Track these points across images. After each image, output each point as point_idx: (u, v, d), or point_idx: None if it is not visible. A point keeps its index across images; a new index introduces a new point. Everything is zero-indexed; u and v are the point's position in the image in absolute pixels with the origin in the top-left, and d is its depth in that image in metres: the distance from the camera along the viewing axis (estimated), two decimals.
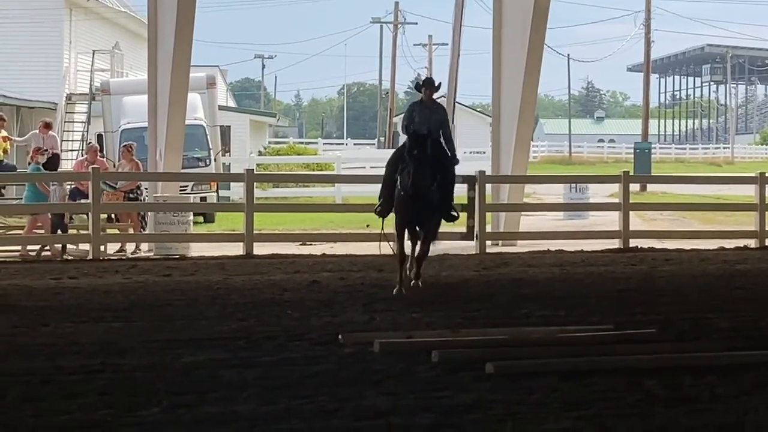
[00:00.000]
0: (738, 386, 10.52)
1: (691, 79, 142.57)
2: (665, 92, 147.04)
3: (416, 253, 17.17)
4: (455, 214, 17.49)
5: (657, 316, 14.83)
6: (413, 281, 17.05)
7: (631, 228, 25.73)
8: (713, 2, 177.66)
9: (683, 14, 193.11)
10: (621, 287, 18.32)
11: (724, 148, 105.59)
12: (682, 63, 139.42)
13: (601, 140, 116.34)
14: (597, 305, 16.07)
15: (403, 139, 18.31)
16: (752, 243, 25.80)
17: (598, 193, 36.67)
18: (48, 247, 23.97)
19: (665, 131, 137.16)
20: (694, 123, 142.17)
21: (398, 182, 16.68)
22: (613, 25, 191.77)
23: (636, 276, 20.09)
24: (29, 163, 25.39)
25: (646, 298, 16.91)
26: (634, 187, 36.63)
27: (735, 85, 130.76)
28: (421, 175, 16.19)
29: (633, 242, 25.25)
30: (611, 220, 26.92)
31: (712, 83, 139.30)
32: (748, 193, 29.32)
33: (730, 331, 13.81)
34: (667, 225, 31.51)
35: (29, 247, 23.89)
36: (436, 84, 17.90)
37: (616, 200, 26.98)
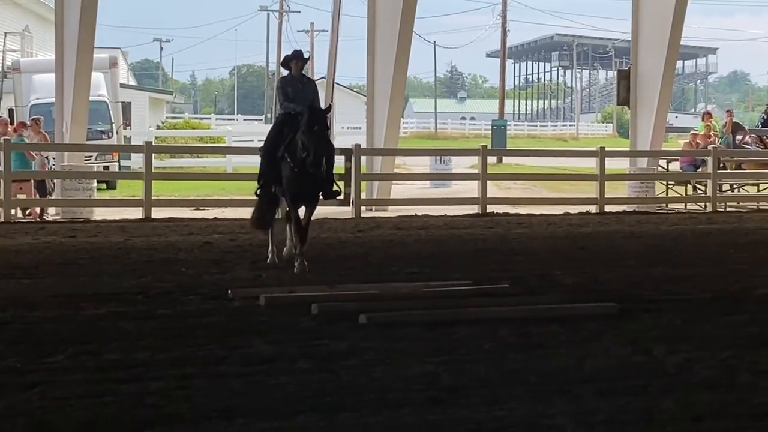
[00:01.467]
0: (579, 334, 10.66)
1: (542, 64, 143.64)
2: (519, 76, 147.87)
3: (298, 229, 14.92)
4: (338, 189, 15.31)
5: (510, 272, 14.96)
6: (299, 260, 14.72)
7: (489, 195, 25.94)
8: None
9: (535, 6, 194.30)
10: (479, 247, 18.47)
11: (570, 125, 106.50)
12: (534, 50, 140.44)
13: (463, 118, 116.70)
14: (458, 263, 16.17)
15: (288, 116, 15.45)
16: (593, 209, 26.15)
17: (460, 164, 36.93)
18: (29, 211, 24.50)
19: (519, 110, 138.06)
20: (544, 103, 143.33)
21: (287, 158, 14.62)
22: (474, 15, 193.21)
23: (492, 238, 20.25)
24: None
25: (500, 257, 17.06)
26: (492, 159, 36.84)
27: (580, 70, 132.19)
28: (322, 152, 14.30)
29: (490, 208, 25.46)
30: (471, 189, 27.11)
31: (560, 68, 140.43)
32: (590, 164, 29.69)
33: (574, 286, 13.98)
34: (519, 193, 31.85)
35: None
36: (305, 56, 15.69)
37: (476, 171, 27.15)
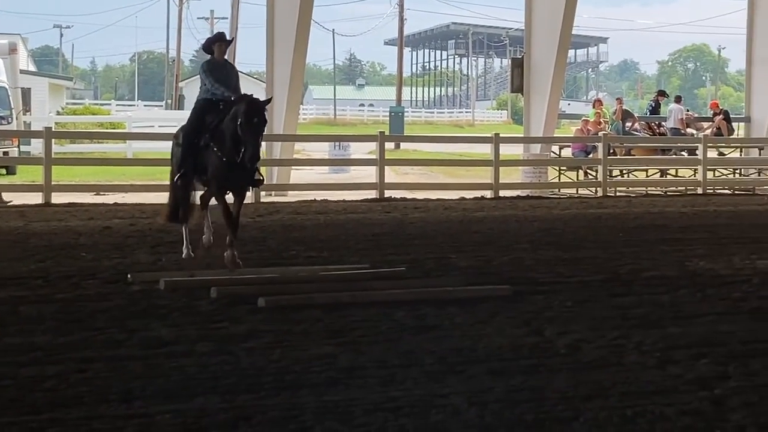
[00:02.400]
0: (474, 316, 10.73)
1: (438, 52, 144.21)
2: (416, 63, 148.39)
3: (228, 217, 13.58)
4: (261, 177, 14.09)
5: (407, 256, 15.02)
6: (230, 251, 13.27)
7: (386, 180, 25.98)
8: None
9: None
10: (376, 232, 18.50)
11: (466, 112, 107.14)
12: (431, 38, 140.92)
13: (362, 104, 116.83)
14: (356, 247, 16.20)
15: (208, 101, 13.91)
16: (488, 194, 26.32)
17: (359, 150, 36.94)
18: None
19: (417, 97, 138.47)
20: (441, 90, 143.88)
21: (212, 147, 13.23)
22: (372, 4, 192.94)
23: (389, 222, 20.31)
24: None
25: (397, 241, 17.11)
26: (389, 145, 36.90)
27: (476, 58, 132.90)
28: (257, 146, 13.05)
29: (387, 193, 25.51)
30: (369, 174, 27.16)
31: (456, 56, 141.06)
32: (485, 150, 29.85)
33: (469, 268, 14.07)
34: (417, 178, 31.93)
35: None
36: (228, 39, 14.53)
37: (374, 157, 27.17)
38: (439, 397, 7.74)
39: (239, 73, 14.44)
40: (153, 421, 7.08)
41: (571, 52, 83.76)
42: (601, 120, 31.01)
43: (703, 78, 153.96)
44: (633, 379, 8.37)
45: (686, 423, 7.24)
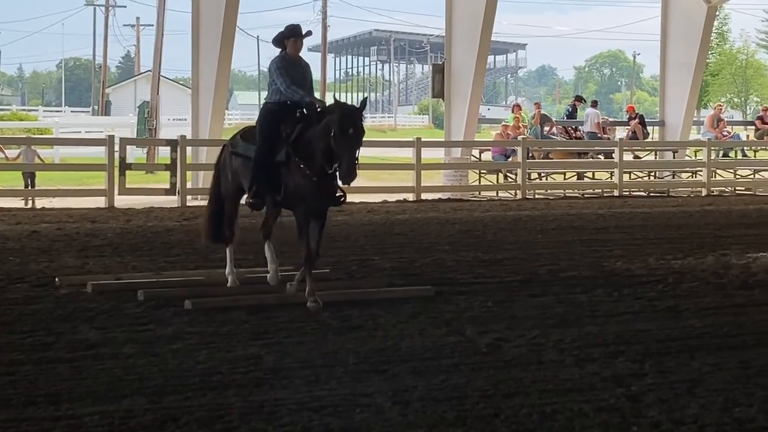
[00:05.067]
0: (396, 316, 10.76)
1: (361, 58, 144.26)
2: (340, 69, 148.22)
3: (309, 252, 11.56)
4: (343, 195, 11.88)
5: (330, 258, 14.98)
6: (314, 299, 11.18)
7: None
8: None
9: (354, 3, 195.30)
10: None
11: (388, 117, 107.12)
12: (354, 45, 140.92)
13: None
14: (281, 249, 16.09)
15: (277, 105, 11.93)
16: (410, 197, 26.35)
17: None
18: None
19: None
20: (364, 95, 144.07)
21: (298, 163, 11.31)
22: (296, 11, 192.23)
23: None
24: None
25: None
26: None
27: (398, 64, 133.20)
28: (354, 160, 10.95)
29: None
30: None
31: (378, 62, 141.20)
32: (407, 155, 29.89)
33: (391, 270, 14.10)
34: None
35: None
36: (304, 33, 12.21)
37: None
38: (363, 397, 7.75)
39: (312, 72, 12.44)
40: (81, 422, 7.02)
41: (490, 58, 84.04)
42: (520, 124, 31.19)
43: (619, 83, 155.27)
44: (552, 377, 8.43)
45: (603, 419, 7.31)
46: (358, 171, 11.05)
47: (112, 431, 6.90)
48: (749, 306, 11.84)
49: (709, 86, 68.16)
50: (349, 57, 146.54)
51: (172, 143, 24.38)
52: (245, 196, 12.11)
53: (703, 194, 29.18)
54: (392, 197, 26.19)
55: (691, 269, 14.41)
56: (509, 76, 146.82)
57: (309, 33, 12.33)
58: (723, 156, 32.80)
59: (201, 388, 7.91)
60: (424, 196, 26.50)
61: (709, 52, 52.11)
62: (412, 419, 7.26)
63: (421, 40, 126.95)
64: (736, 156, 33.62)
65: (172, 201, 23.77)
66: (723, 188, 30.61)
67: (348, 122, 10.91)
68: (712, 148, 30.93)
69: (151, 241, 16.87)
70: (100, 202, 22.84)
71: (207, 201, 13.12)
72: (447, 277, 13.40)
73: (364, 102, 11.42)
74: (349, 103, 11.80)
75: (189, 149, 25.41)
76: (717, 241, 17.67)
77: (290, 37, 11.93)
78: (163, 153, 29.04)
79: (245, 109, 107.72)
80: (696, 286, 13.05)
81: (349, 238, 17.98)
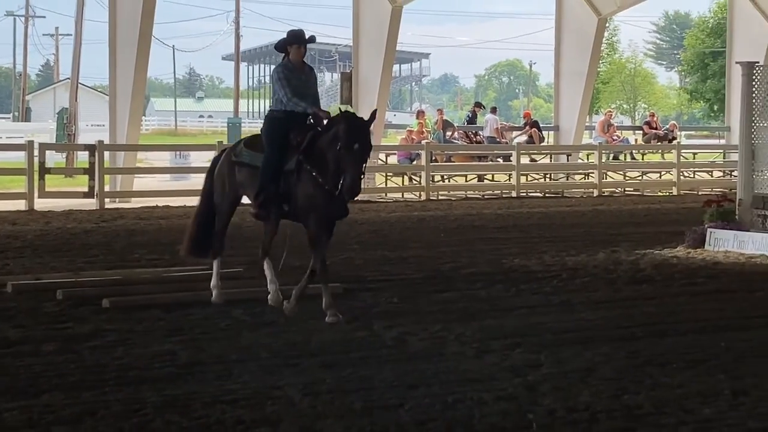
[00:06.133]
0: (307, 313, 10.71)
1: (272, 67, 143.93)
2: (253, 77, 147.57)
3: (322, 265, 10.81)
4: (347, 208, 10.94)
5: (244, 257, 14.89)
6: (333, 312, 10.39)
7: None
8: (290, 5, 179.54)
9: (266, 14, 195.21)
10: None
11: None
12: (266, 54, 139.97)
13: (201, 116, 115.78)
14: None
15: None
16: None
17: (199, 158, 36.48)
18: None
19: (253, 109, 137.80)
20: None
21: (312, 173, 10.39)
22: (210, 21, 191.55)
23: (230, 225, 20.03)
24: None
25: (235, 243, 16.85)
26: None
27: None
28: (359, 176, 10.15)
29: None
30: None
31: None
32: None
33: (302, 268, 13.87)
34: None
35: None
36: (307, 37, 11.15)
37: None
38: (275, 389, 7.71)
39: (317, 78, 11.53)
40: (0, 417, 6.89)
41: (396, 67, 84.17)
42: (424, 129, 31.30)
43: (517, 90, 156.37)
44: (453, 368, 8.46)
45: (502, 407, 7.34)
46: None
47: (32, 426, 6.79)
48: (638, 299, 11.98)
49: (600, 93, 68.84)
50: (262, 65, 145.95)
51: (91, 148, 24.18)
52: (251, 206, 11.02)
53: (595, 195, 29.48)
54: None
55: (583, 265, 14.55)
56: (414, 83, 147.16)
57: (312, 38, 11.15)
58: (613, 159, 33.20)
59: (117, 383, 7.82)
60: None
61: (600, 62, 52.66)
62: (321, 410, 7.23)
63: (330, 50, 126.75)
64: (625, 159, 34.09)
65: (90, 204, 23.46)
66: (613, 189, 30.94)
67: (354, 136, 10.05)
68: (603, 151, 31.26)
69: (69, 243, 16.65)
70: (20, 205, 22.48)
71: (195, 212, 11.96)
72: (355, 275, 13.39)
73: (373, 114, 10.35)
74: (357, 113, 10.73)
75: (107, 154, 25.11)
76: (608, 239, 17.86)
77: (293, 43, 10.96)
78: (82, 157, 28.64)
79: (162, 115, 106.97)
80: (588, 282, 13.18)
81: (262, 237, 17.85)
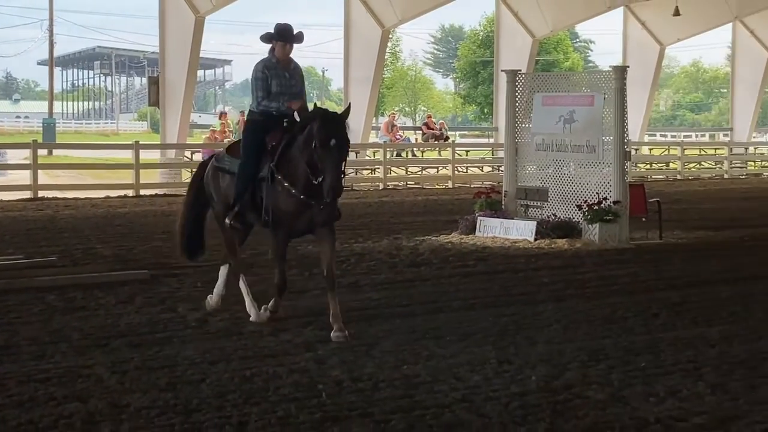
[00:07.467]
0: (116, 297, 10.57)
1: (85, 71, 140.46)
2: (67, 81, 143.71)
3: (283, 278, 9.54)
4: (339, 211, 9.30)
5: (58, 247, 14.58)
6: (339, 327, 8.84)
7: (40, 182, 25.08)
8: (101, 15, 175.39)
9: (78, 22, 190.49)
10: (30, 227, 17.81)
11: (111, 123, 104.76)
12: (79, 59, 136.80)
13: (18, 117, 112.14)
14: (11, 240, 15.55)
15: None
16: (130, 192, 25.84)
17: (15, 156, 35.37)
18: None
19: (67, 110, 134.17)
20: (89, 104, 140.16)
21: (281, 180, 8.98)
22: (25, 29, 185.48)
23: (42, 218, 19.58)
24: None
25: (49, 235, 16.55)
26: (43, 151, 35.59)
27: (119, 77, 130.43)
28: (339, 174, 8.62)
29: (41, 193, 24.62)
30: (25, 177, 26.05)
31: (102, 75, 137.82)
32: (127, 156, 29.23)
33: (112, 257, 13.80)
34: (67, 180, 30.84)
35: None
36: (295, 34, 9.56)
37: (28, 162, 26.11)
38: (85, 368, 7.56)
39: (303, 75, 9.80)
40: None
41: (200, 72, 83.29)
42: (226, 129, 31.12)
43: (312, 95, 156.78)
44: (251, 346, 8.45)
45: (294, 379, 7.37)
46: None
47: None
48: (417, 281, 12.19)
49: (384, 97, 69.71)
50: (75, 70, 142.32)
51: None
52: (227, 216, 9.54)
53: (381, 188, 29.81)
54: (114, 193, 25.60)
55: (369, 251, 14.71)
56: (217, 87, 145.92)
57: (300, 36, 9.58)
58: (397, 156, 33.62)
59: None
60: (142, 192, 26.03)
61: (384, 69, 53.27)
62: (128, 386, 7.12)
63: (138, 56, 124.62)
64: (407, 156, 34.57)
65: None
66: (397, 183, 31.34)
67: (329, 132, 8.60)
68: (388, 149, 31.63)
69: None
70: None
71: (179, 221, 10.35)
72: (162, 262, 13.20)
73: (348, 107, 9.05)
74: (331, 109, 9.17)
75: None
76: (391, 228, 18.10)
77: (278, 40, 9.50)
78: None
79: None
80: (373, 265, 13.33)
81: (75, 229, 17.49)
